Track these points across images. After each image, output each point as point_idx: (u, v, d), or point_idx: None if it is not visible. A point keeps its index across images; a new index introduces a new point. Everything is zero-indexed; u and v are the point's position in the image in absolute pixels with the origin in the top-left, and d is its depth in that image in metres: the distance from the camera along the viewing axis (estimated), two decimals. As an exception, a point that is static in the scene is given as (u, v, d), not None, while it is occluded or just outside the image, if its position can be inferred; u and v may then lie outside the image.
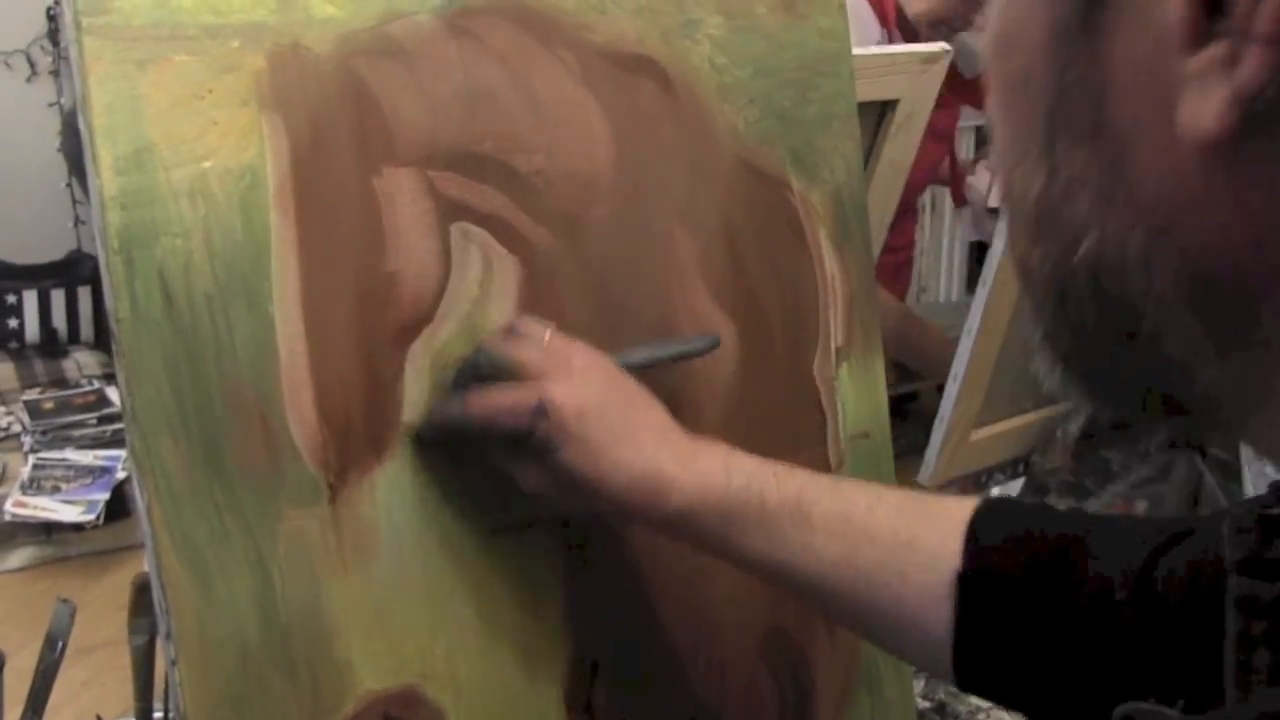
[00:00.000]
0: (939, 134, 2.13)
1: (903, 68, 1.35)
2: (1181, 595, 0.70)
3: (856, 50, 1.08)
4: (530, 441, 0.80)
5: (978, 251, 4.09)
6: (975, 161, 2.54)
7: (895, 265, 2.46)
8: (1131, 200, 0.43)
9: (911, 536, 0.79)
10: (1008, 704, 0.81)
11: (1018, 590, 0.76)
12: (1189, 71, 0.39)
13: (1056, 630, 0.75)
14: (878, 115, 1.39)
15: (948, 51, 1.40)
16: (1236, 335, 0.43)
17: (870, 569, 0.79)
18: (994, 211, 2.23)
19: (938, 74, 1.38)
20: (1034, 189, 0.47)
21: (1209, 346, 0.44)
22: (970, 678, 0.79)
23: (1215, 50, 0.39)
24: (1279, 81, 0.38)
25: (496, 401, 0.81)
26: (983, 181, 2.45)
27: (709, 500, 0.81)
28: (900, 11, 2.08)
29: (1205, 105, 0.39)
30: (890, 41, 2.08)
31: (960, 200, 2.59)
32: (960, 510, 0.80)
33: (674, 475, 0.81)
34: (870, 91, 1.28)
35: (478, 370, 0.83)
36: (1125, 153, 0.43)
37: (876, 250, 1.29)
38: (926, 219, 4.06)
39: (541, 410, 0.79)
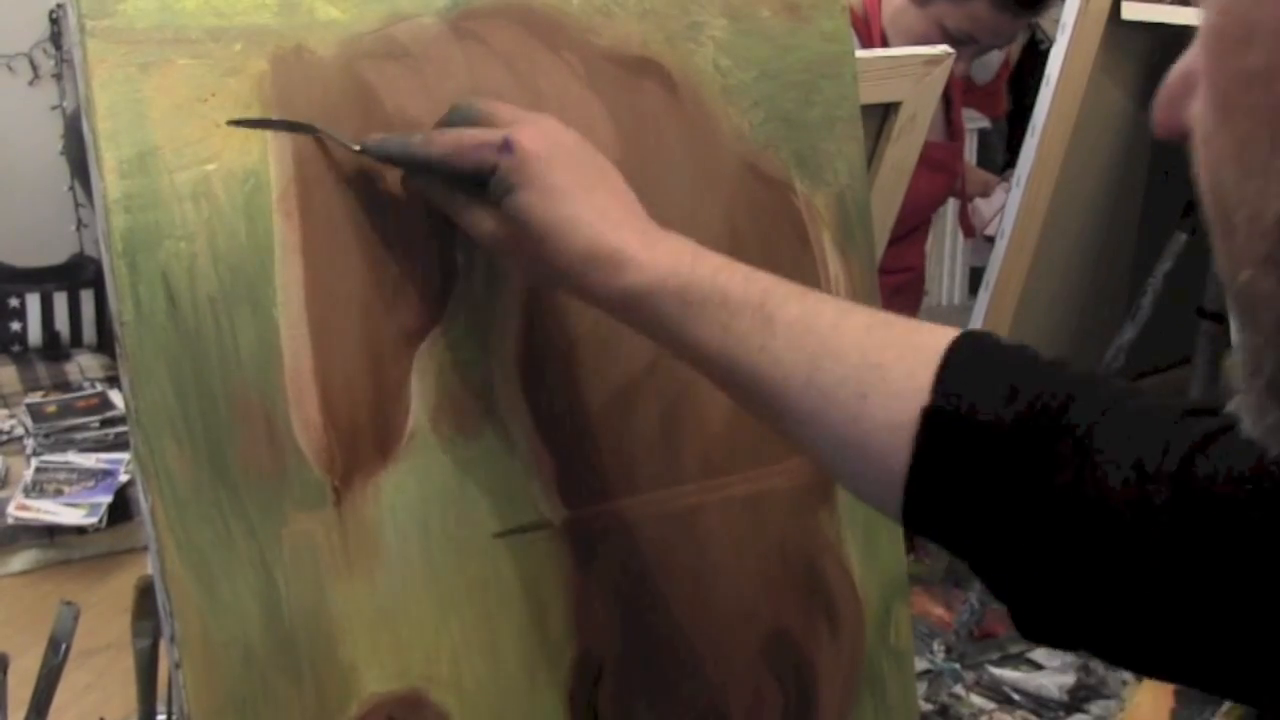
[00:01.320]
0: (938, 165, 2.12)
1: (905, 70, 1.34)
2: (1238, 500, 0.62)
3: (859, 53, 1.08)
4: (491, 182, 0.77)
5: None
6: (1000, 181, 2.50)
7: (909, 283, 2.46)
8: None
9: (879, 360, 0.73)
10: (953, 551, 0.74)
11: (988, 439, 0.69)
12: None
13: (1028, 497, 0.68)
14: (880, 118, 1.38)
15: (950, 54, 1.40)
16: None
17: (829, 385, 0.73)
18: (990, 239, 2.21)
19: (940, 76, 1.38)
20: (1274, 205, 0.41)
21: None
22: (918, 517, 0.73)
23: None
24: None
25: (461, 137, 0.78)
26: (990, 208, 2.42)
27: (669, 285, 0.75)
28: (885, 37, 2.07)
29: None
30: None
31: (969, 231, 2.57)
32: (934, 340, 0.73)
33: (635, 250, 0.76)
34: (873, 94, 1.28)
35: (452, 116, 0.81)
36: None
37: (879, 251, 1.29)
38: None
39: (507, 146, 0.76)
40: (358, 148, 0.78)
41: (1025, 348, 0.74)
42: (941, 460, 0.70)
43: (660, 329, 0.77)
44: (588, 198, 0.77)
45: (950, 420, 0.70)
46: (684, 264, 0.76)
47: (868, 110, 1.09)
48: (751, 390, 0.76)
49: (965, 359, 0.72)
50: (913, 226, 2.24)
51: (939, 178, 2.22)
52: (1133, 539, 0.64)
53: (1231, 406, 0.45)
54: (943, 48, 1.39)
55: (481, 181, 0.77)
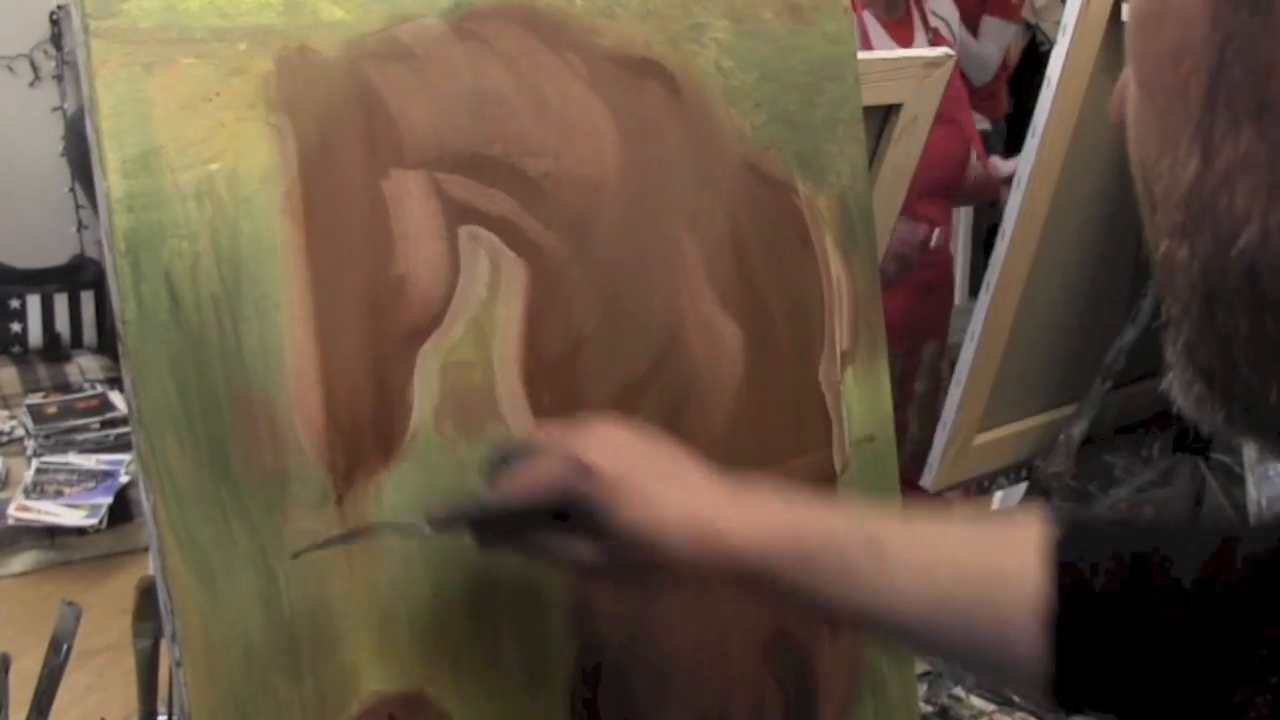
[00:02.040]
0: (945, 118, 2.11)
1: (907, 72, 1.35)
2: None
3: (861, 55, 1.08)
4: (577, 510, 0.75)
5: (983, 256, 4.10)
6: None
7: (940, 281, 2.47)
8: None
9: (992, 565, 0.76)
10: (1119, 716, 0.78)
11: (1112, 608, 0.73)
12: None
13: (1158, 637, 0.72)
14: (881, 120, 1.39)
15: (951, 56, 1.40)
16: None
17: (956, 603, 0.75)
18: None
19: (941, 78, 1.38)
20: (1184, 178, 0.43)
21: None
22: (1074, 699, 0.76)
23: None
24: None
25: (533, 477, 0.76)
26: (1008, 164, 2.44)
27: (783, 549, 0.75)
28: None
29: None
30: None
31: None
32: (1028, 532, 0.76)
33: (741, 525, 0.76)
34: (874, 96, 1.28)
35: (500, 459, 0.79)
36: None
37: (880, 252, 1.29)
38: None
39: (584, 470, 0.75)
40: (429, 530, 0.78)
41: (1109, 517, 0.78)
42: (1080, 643, 0.73)
43: (783, 591, 0.77)
44: (679, 488, 0.77)
45: (1076, 603, 0.73)
46: (787, 522, 0.76)
47: (868, 112, 1.10)
48: (880, 624, 0.78)
49: (1067, 540, 0.75)
50: (929, 190, 2.25)
51: (945, 129, 2.21)
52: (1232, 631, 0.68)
53: (1164, 385, 0.47)
54: (944, 50, 1.39)
55: (560, 515, 0.76)
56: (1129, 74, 0.48)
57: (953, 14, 2.81)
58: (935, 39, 2.64)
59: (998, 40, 3.41)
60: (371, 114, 0.80)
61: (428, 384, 0.82)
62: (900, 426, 1.19)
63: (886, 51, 1.92)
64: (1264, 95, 0.40)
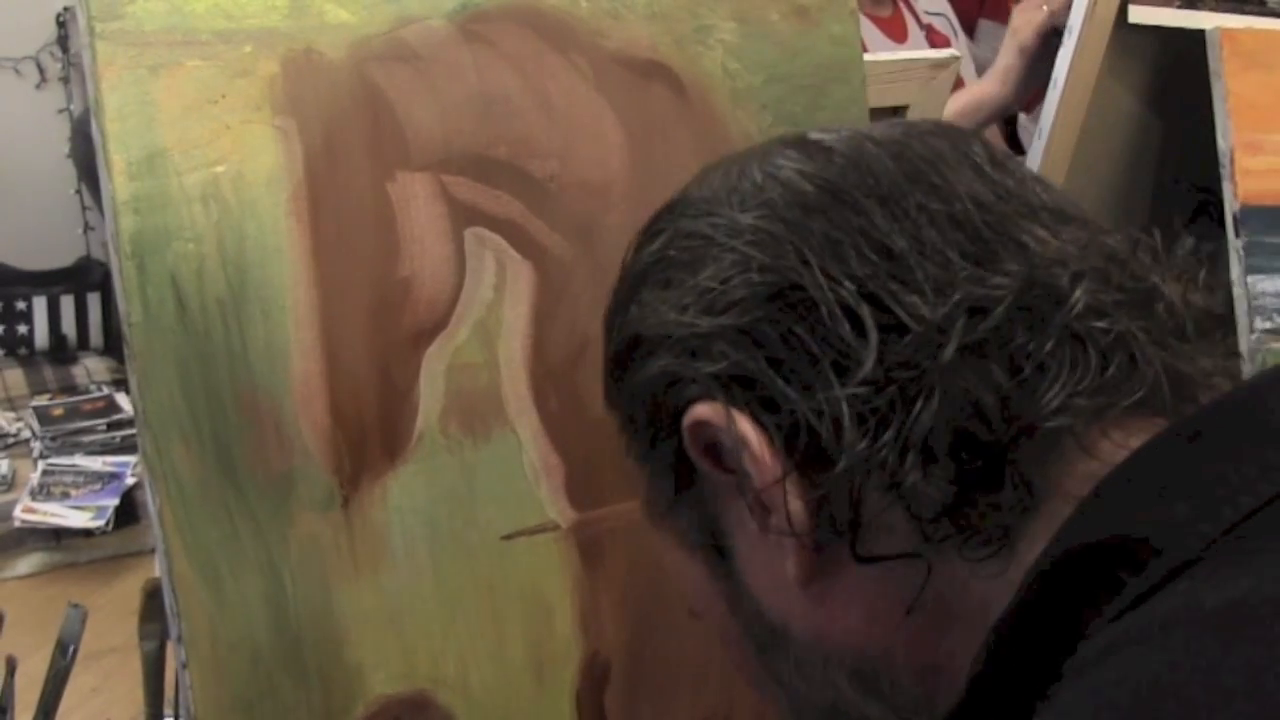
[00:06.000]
0: None
1: (913, 74, 1.34)
2: None
3: (866, 56, 1.08)
4: None
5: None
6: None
7: None
8: (808, 657, 0.57)
9: None
10: None
11: None
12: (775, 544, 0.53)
13: None
14: (888, 122, 1.38)
15: (957, 57, 1.40)
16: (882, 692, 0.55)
17: None
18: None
19: (947, 80, 1.38)
20: (785, 708, 0.59)
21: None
22: None
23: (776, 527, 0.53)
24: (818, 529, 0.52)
25: None
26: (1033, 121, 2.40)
27: None
28: None
29: (789, 563, 0.53)
30: None
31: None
32: None
33: None
34: (880, 98, 1.27)
35: None
36: (788, 628, 0.56)
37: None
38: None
39: None
40: None
41: None
42: None
43: None
44: None
45: None
46: None
47: (874, 114, 1.09)
48: None
49: None
50: None
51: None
52: None
53: None
54: (950, 51, 1.39)
55: None
56: None
57: (946, 8, 2.80)
58: (930, 35, 2.63)
59: (995, 44, 3.40)
60: (377, 116, 0.80)
61: (433, 386, 0.82)
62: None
63: (892, 53, 1.91)
64: (771, 623, 0.59)
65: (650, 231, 0.60)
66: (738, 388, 0.53)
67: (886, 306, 0.50)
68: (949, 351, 0.49)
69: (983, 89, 1.93)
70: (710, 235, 0.55)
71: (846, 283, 0.51)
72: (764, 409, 0.52)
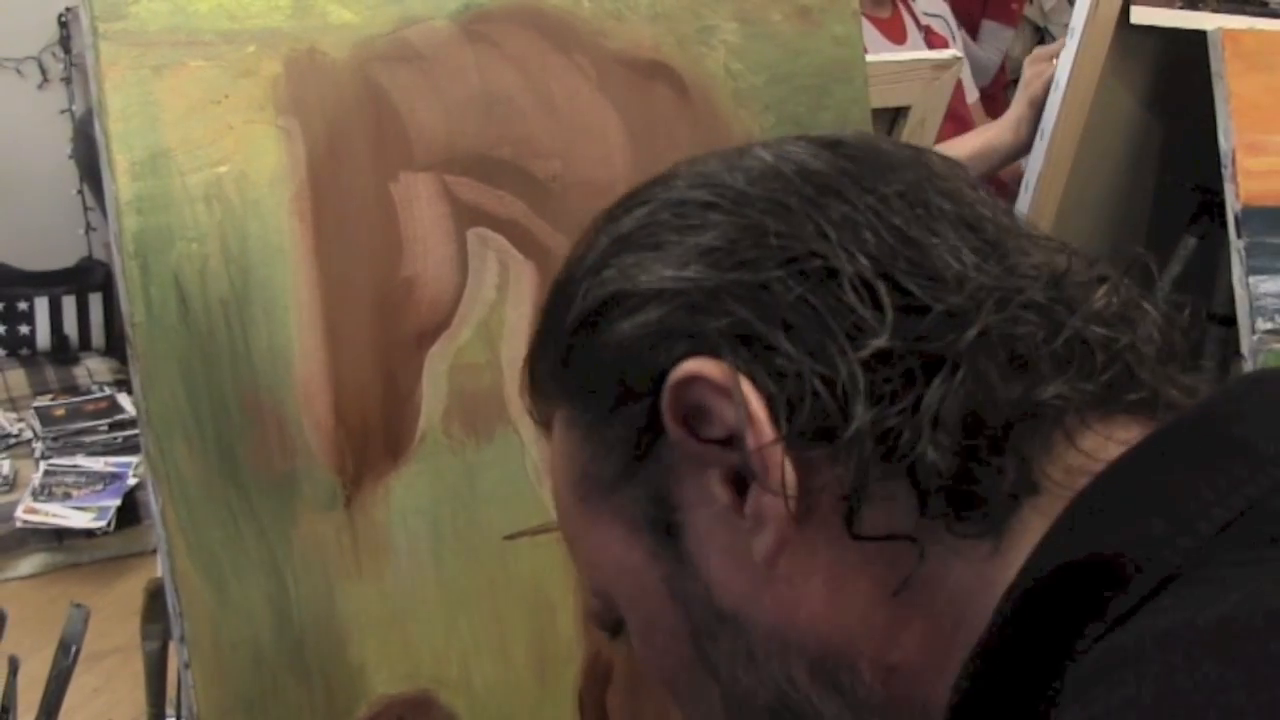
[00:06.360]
0: (951, 115, 2.10)
1: (914, 75, 1.35)
2: None
3: (869, 57, 1.08)
4: None
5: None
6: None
7: None
8: (764, 645, 0.54)
9: None
10: None
11: None
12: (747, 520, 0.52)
13: None
14: (889, 122, 1.38)
15: (959, 58, 1.40)
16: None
17: None
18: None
19: (950, 80, 1.38)
20: (717, 709, 0.56)
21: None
22: None
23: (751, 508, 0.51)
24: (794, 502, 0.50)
25: None
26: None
27: None
28: None
29: (761, 540, 0.52)
30: None
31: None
32: None
33: None
34: (882, 98, 1.27)
35: None
36: (743, 612, 0.54)
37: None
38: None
39: None
40: None
41: None
42: None
43: None
44: None
45: None
46: None
47: (877, 114, 1.10)
48: None
49: None
50: None
51: (951, 127, 2.19)
52: None
53: None
54: (951, 52, 1.39)
55: None
56: None
57: (945, 10, 2.80)
58: (929, 36, 2.63)
59: (997, 45, 3.40)
60: (380, 116, 0.80)
61: (436, 386, 0.82)
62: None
63: (894, 54, 1.91)
64: (719, 611, 0.55)
65: (630, 202, 0.58)
66: (741, 346, 0.51)
67: (905, 289, 0.50)
68: (972, 333, 0.49)
69: (995, 135, 1.94)
70: (714, 202, 0.54)
71: (864, 259, 0.51)
72: (766, 371, 0.51)
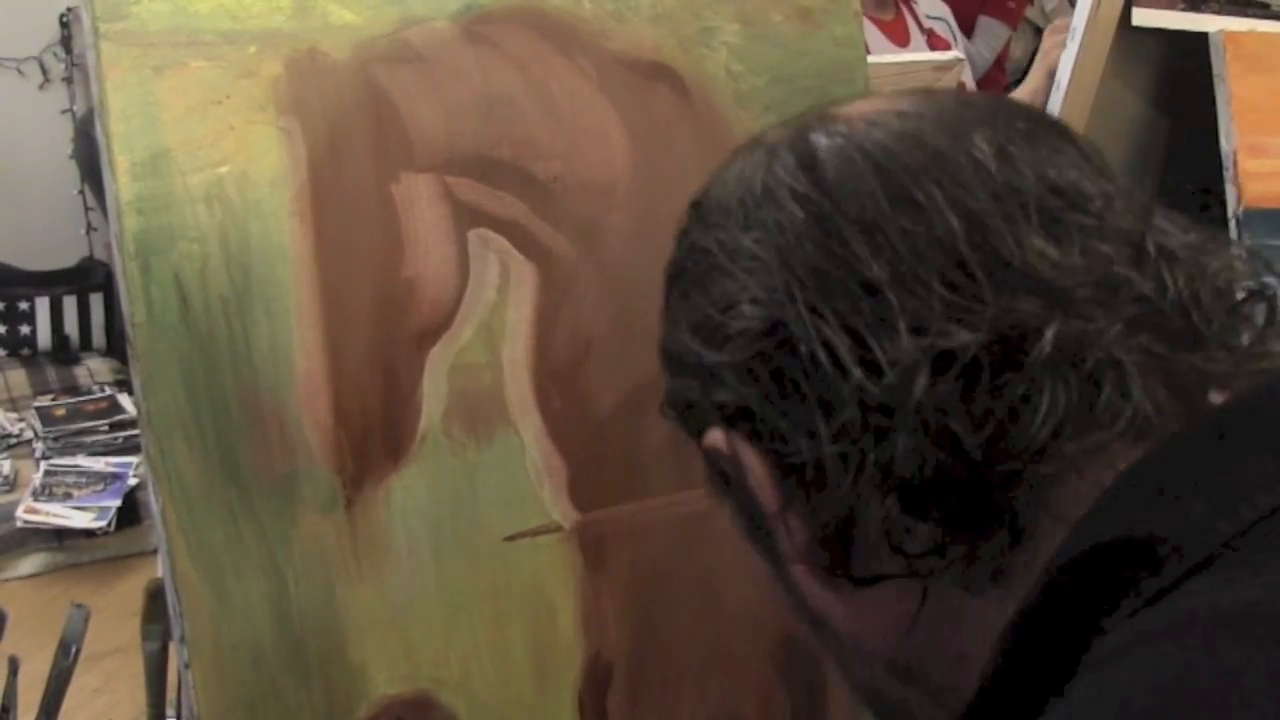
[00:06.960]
0: None
1: (917, 76, 1.35)
2: None
3: (870, 58, 1.08)
4: None
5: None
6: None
7: None
8: (848, 650, 0.58)
9: None
10: None
11: None
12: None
13: None
14: (891, 124, 1.39)
15: (961, 59, 1.40)
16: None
17: None
18: None
19: (951, 81, 1.38)
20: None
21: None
22: None
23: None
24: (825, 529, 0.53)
25: None
26: None
27: None
28: None
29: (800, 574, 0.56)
30: None
31: None
32: None
33: None
34: (884, 100, 1.28)
35: None
36: (827, 622, 0.57)
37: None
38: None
39: None
40: None
41: None
42: None
43: None
44: None
45: None
46: None
47: (879, 115, 1.09)
48: None
49: None
50: None
51: None
52: None
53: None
54: (953, 54, 1.39)
55: None
56: None
57: (946, 12, 2.80)
58: (931, 39, 2.63)
59: (991, 42, 3.40)
60: (381, 117, 0.80)
61: (437, 387, 0.82)
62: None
63: (895, 55, 1.92)
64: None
65: (680, 231, 0.61)
66: (742, 420, 0.55)
67: (867, 344, 0.51)
68: (916, 393, 0.50)
69: None
70: (715, 255, 0.57)
71: (830, 318, 0.52)
72: (770, 440, 0.54)
